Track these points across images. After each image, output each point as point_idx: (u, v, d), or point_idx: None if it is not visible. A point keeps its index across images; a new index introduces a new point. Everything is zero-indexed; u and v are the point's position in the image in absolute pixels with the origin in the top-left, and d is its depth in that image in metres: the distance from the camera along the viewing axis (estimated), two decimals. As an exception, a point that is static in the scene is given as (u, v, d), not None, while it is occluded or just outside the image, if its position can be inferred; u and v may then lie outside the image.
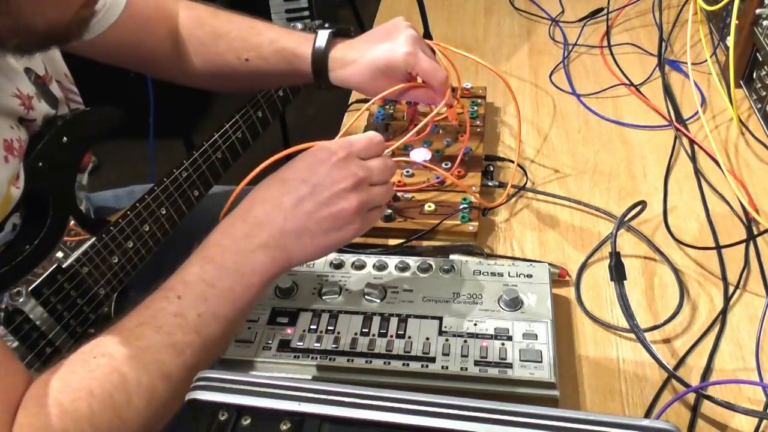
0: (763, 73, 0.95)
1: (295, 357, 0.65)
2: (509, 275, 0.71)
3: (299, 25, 1.07)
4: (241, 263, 0.61)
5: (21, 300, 0.70)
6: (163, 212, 0.83)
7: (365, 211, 0.65)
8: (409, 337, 0.65)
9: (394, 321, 0.67)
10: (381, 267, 0.73)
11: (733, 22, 0.93)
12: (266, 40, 0.90)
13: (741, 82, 1.03)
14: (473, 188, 0.86)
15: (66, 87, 0.86)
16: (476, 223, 0.82)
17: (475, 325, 0.66)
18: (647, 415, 0.64)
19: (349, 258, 0.75)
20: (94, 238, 0.76)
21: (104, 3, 0.87)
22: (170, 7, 0.94)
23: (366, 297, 0.70)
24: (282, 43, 0.89)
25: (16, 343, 0.70)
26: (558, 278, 0.76)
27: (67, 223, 0.76)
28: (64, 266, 0.73)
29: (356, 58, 0.84)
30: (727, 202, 0.85)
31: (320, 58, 0.86)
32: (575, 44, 1.20)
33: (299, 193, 0.63)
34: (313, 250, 0.63)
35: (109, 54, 0.91)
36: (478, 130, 0.96)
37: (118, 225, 0.78)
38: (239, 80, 0.95)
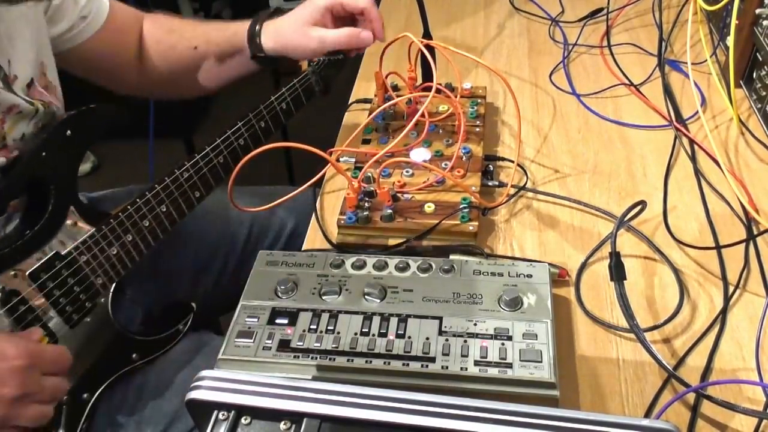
0: (763, 73, 0.95)
1: (295, 357, 0.65)
2: (509, 275, 0.71)
3: None
4: None
5: (18, 282, 0.72)
6: (163, 209, 0.84)
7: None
8: (409, 337, 0.65)
9: (394, 321, 0.67)
10: (381, 267, 0.73)
11: (733, 22, 0.93)
12: (212, 27, 1.01)
13: (741, 82, 1.03)
14: (473, 188, 0.86)
15: (43, 93, 0.87)
16: (476, 223, 0.82)
17: (475, 325, 0.66)
18: (647, 415, 0.64)
19: (349, 258, 0.75)
20: (93, 229, 0.78)
21: (90, 10, 0.92)
22: (139, 16, 1.02)
23: (366, 297, 0.70)
24: (225, 25, 1.00)
25: (10, 323, 0.71)
26: (558, 278, 0.76)
27: (68, 212, 0.78)
28: (62, 253, 0.75)
29: (284, 21, 0.95)
30: (727, 202, 0.85)
31: (254, 28, 0.96)
32: (575, 44, 1.20)
33: None
34: None
35: (86, 64, 0.95)
36: (478, 130, 0.96)
37: (118, 218, 0.80)
38: (192, 74, 1.03)
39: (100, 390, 0.80)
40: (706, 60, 1.07)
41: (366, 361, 0.64)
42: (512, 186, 0.88)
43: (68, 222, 0.78)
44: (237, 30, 0.98)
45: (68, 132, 0.78)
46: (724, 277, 0.76)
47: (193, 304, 0.93)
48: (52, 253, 0.75)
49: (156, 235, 0.85)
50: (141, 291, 0.97)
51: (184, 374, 0.87)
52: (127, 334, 0.84)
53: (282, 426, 0.45)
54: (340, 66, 1.08)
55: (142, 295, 0.97)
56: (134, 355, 0.85)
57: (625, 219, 0.74)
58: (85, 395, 0.79)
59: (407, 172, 0.90)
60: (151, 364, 0.87)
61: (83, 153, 0.82)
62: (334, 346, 0.65)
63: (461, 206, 0.83)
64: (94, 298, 0.79)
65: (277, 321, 0.68)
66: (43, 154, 0.76)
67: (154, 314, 0.94)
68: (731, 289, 0.75)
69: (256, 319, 0.68)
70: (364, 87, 1.16)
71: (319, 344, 0.65)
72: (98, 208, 0.97)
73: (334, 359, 0.64)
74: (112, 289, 0.82)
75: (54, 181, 0.77)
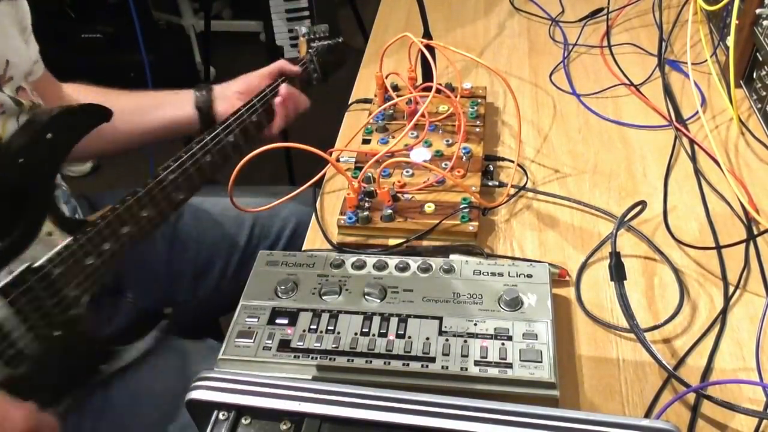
0: (763, 73, 0.95)
1: (295, 357, 0.65)
2: (509, 275, 0.71)
3: (303, 29, 1.08)
4: None
5: None
6: (145, 214, 0.80)
7: None
8: (409, 337, 0.65)
9: (394, 321, 0.67)
10: (381, 267, 0.73)
11: (733, 22, 0.93)
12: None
13: (741, 82, 1.03)
14: (473, 188, 0.86)
15: (33, 94, 0.87)
16: (476, 223, 0.82)
17: (475, 325, 0.66)
18: (647, 415, 0.64)
19: (349, 258, 0.75)
20: (70, 238, 0.74)
21: (38, 58, 0.93)
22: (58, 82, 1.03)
23: (366, 297, 0.70)
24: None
25: None
26: (558, 278, 0.76)
27: (44, 220, 0.73)
28: (35, 266, 0.71)
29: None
30: (727, 202, 0.85)
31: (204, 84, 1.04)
32: (575, 44, 1.20)
33: None
34: None
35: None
36: (478, 130, 0.96)
37: (96, 226, 0.75)
38: (121, 126, 1.00)
39: (67, 403, 0.77)
40: (706, 60, 1.07)
41: (366, 361, 0.64)
42: (512, 186, 0.88)
43: (44, 231, 0.73)
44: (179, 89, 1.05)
45: (49, 135, 0.73)
46: (724, 277, 0.76)
47: (167, 310, 0.89)
48: (25, 267, 0.70)
49: (135, 242, 0.80)
50: (142, 293, 0.97)
51: (158, 385, 0.84)
52: (98, 344, 0.80)
53: (282, 426, 0.45)
54: (339, 52, 1.07)
55: (143, 296, 0.97)
56: (104, 366, 0.80)
57: (625, 219, 0.74)
58: (53, 409, 0.74)
59: (407, 172, 0.90)
60: (122, 374, 0.83)
61: (65, 157, 0.77)
62: (334, 346, 0.65)
63: (461, 206, 0.83)
64: (66, 311, 0.75)
65: (277, 321, 0.68)
66: (21, 160, 0.71)
67: (129, 321, 0.90)
68: (731, 289, 0.75)
69: (256, 319, 0.68)
70: (364, 87, 1.16)
71: (319, 344, 0.65)
72: (83, 214, 0.94)
73: (334, 359, 0.64)
74: (86, 301, 0.77)
75: (31, 189, 0.72)
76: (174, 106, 1.03)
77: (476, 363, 0.63)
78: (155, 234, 1.00)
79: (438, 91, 0.92)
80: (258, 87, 1.01)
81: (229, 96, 1.02)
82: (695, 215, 0.84)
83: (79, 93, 1.03)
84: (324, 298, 0.70)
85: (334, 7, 2.55)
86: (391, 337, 0.66)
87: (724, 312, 0.72)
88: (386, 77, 1.00)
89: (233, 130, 0.91)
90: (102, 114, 0.80)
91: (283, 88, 1.00)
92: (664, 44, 1.13)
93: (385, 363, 0.64)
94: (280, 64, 1.05)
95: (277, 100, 1.00)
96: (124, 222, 0.78)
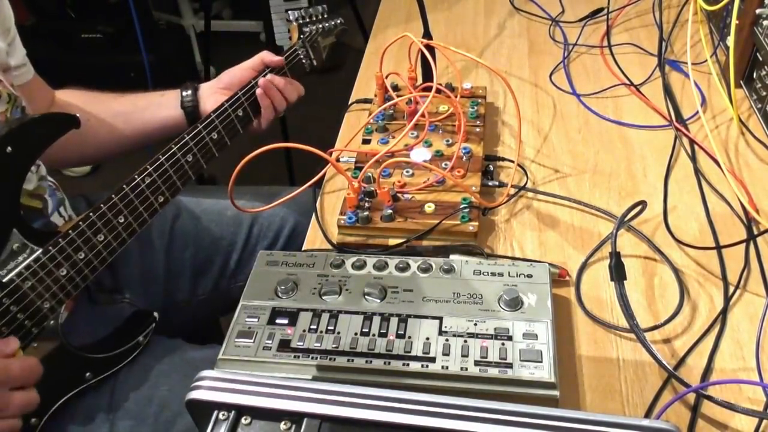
0: (763, 73, 0.95)
1: (295, 357, 0.65)
2: (509, 275, 0.71)
3: (294, 14, 1.07)
4: None
5: None
6: (121, 221, 0.78)
7: None
8: (409, 337, 0.65)
9: (394, 321, 0.67)
10: (381, 267, 0.73)
11: (733, 22, 0.93)
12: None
13: (741, 82, 1.03)
14: (473, 188, 0.86)
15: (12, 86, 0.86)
16: (476, 223, 0.82)
17: (475, 325, 0.66)
18: (647, 415, 0.64)
19: (349, 258, 0.75)
20: (39, 251, 0.72)
21: (26, 62, 0.93)
22: (50, 89, 1.02)
23: (366, 297, 0.70)
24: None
25: None
26: (558, 278, 0.76)
27: (10, 235, 0.72)
28: (4, 281, 0.70)
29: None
30: (727, 202, 0.85)
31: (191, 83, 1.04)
32: (575, 44, 1.20)
33: None
34: None
35: None
36: (478, 130, 0.96)
37: (67, 236, 0.74)
38: (111, 125, 1.01)
39: (48, 413, 0.75)
40: (706, 60, 1.07)
41: (366, 361, 0.64)
42: (512, 186, 0.88)
43: (11, 245, 0.72)
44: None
45: (9, 149, 0.71)
46: (724, 277, 0.76)
47: (156, 314, 0.87)
48: None
49: (112, 250, 0.78)
50: (140, 292, 0.97)
51: (140, 393, 0.83)
52: (79, 353, 0.79)
53: (282, 426, 0.45)
54: (337, 34, 1.04)
55: (141, 296, 0.96)
56: (87, 374, 0.79)
57: (626, 219, 0.74)
58: (33, 420, 0.74)
59: (407, 172, 0.90)
60: (106, 381, 0.81)
61: (27, 169, 0.76)
62: (334, 346, 0.65)
63: (461, 206, 0.83)
64: (41, 324, 0.74)
65: (278, 321, 0.68)
66: None
67: (124, 323, 0.88)
68: (731, 289, 0.75)
69: (256, 319, 0.68)
70: (364, 87, 1.16)
71: (319, 344, 0.65)
72: (80, 213, 0.93)
73: (335, 359, 0.64)
74: (62, 311, 0.76)
75: None
76: (160, 107, 1.02)
77: (476, 363, 0.63)
78: (150, 236, 1.00)
79: (438, 91, 0.92)
80: (241, 81, 1.00)
81: (214, 94, 1.01)
82: (695, 215, 0.84)
83: (71, 98, 1.02)
84: (324, 298, 0.70)
85: (334, 7, 2.56)
86: (391, 337, 0.66)
87: (724, 312, 0.72)
88: (386, 77, 1.00)
89: (216, 127, 0.89)
90: (68, 121, 0.77)
91: (262, 79, 0.99)
92: (664, 44, 1.13)
93: (385, 363, 0.64)
94: (263, 55, 1.03)
95: (258, 92, 0.99)
96: (98, 230, 0.76)
